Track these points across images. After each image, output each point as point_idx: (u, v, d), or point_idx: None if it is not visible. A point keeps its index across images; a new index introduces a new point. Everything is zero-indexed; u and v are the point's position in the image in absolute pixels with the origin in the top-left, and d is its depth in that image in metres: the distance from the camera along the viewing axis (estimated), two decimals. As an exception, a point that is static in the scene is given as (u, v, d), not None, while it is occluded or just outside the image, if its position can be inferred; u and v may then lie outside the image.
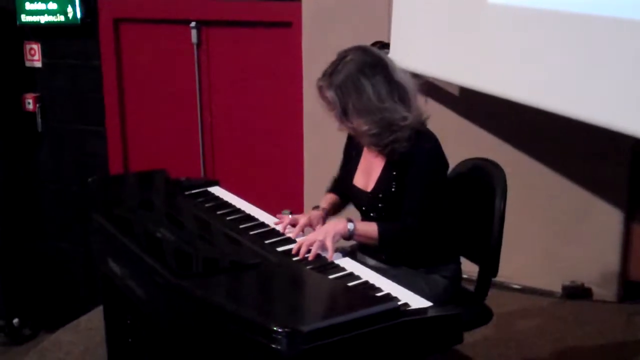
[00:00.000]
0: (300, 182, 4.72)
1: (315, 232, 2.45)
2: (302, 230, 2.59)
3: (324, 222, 2.64)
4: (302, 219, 2.61)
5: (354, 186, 2.65)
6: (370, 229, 2.47)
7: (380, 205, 2.53)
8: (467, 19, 3.47)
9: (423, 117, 2.52)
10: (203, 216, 2.74)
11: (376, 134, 2.44)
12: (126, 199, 2.99)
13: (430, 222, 2.46)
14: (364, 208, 2.61)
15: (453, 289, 2.59)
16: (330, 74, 2.44)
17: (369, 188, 2.57)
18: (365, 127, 2.44)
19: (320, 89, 2.48)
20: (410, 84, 2.49)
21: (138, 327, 2.79)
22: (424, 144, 2.46)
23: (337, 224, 2.45)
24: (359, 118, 2.43)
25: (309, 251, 2.40)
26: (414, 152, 2.44)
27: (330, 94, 2.43)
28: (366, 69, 2.42)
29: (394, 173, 2.49)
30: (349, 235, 2.46)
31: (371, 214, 2.57)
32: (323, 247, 2.40)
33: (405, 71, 2.55)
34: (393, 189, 2.49)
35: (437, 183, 2.49)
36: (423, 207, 2.45)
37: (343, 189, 2.76)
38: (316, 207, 2.73)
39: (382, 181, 2.53)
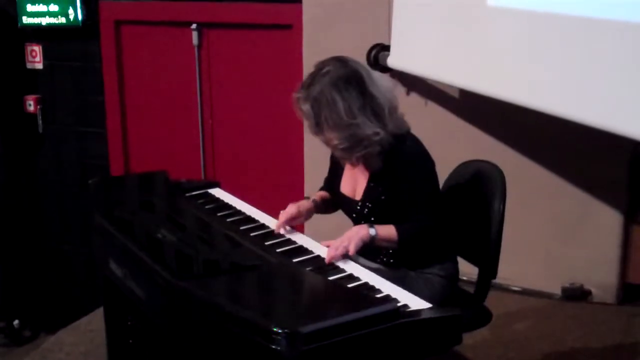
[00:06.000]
0: (301, 184, 4.73)
1: (339, 239, 2.43)
2: (291, 221, 2.62)
3: (310, 215, 2.69)
4: (291, 209, 2.63)
5: (342, 193, 2.66)
6: (391, 232, 2.46)
7: (370, 214, 2.54)
8: (466, 21, 3.47)
9: (403, 130, 2.49)
10: (204, 218, 2.74)
11: (346, 148, 2.44)
12: (127, 200, 2.99)
13: (440, 216, 2.49)
14: (354, 215, 2.61)
15: (450, 288, 2.60)
16: (307, 86, 2.43)
17: (357, 197, 2.58)
18: (336, 142, 2.44)
19: (297, 100, 2.45)
20: (386, 98, 2.45)
21: (139, 328, 2.80)
22: (408, 147, 2.47)
23: (360, 230, 2.43)
24: (330, 132, 2.42)
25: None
26: (398, 159, 2.45)
27: (305, 107, 2.42)
28: (340, 83, 2.38)
29: (381, 184, 2.50)
30: (371, 241, 2.43)
31: (362, 222, 2.55)
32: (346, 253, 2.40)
33: (387, 83, 2.52)
34: (383, 198, 2.50)
35: (431, 179, 2.51)
36: (430, 204, 2.47)
37: (331, 195, 2.77)
38: (307, 198, 2.74)
39: (369, 191, 2.54)
